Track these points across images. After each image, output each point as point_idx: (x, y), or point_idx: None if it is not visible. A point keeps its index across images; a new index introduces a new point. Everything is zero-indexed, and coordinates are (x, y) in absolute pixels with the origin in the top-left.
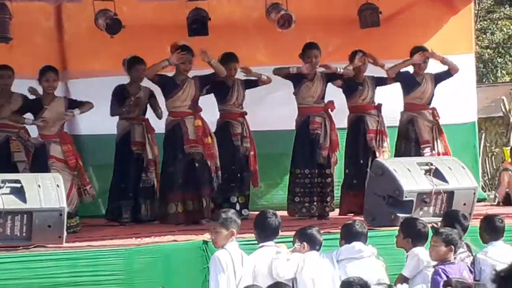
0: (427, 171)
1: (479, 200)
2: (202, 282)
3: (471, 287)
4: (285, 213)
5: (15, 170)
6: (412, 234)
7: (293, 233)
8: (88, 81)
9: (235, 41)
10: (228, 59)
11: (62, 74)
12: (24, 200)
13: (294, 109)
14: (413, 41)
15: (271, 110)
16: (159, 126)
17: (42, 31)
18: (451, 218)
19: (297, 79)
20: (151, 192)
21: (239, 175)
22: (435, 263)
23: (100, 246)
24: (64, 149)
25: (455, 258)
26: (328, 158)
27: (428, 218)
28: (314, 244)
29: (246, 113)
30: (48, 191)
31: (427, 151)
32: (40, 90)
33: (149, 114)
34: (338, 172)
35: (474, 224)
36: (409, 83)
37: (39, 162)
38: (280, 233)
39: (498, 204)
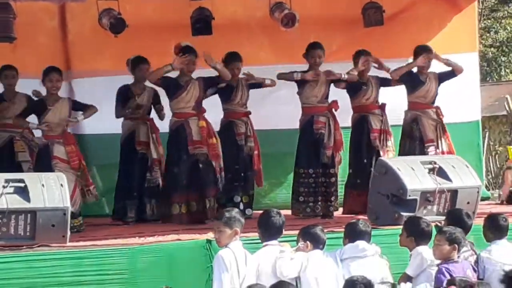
0: (431, 170)
1: (483, 199)
2: (206, 281)
3: (475, 286)
4: (288, 212)
5: (19, 170)
6: (416, 233)
7: (297, 232)
8: (92, 81)
9: (238, 40)
10: (232, 58)
11: (66, 73)
12: (28, 199)
13: (298, 108)
14: (416, 40)
15: (275, 109)
16: (163, 125)
17: (46, 30)
18: (455, 216)
19: (301, 79)
20: (156, 192)
21: (242, 174)
22: (438, 262)
23: (104, 246)
24: (67, 150)
25: (458, 256)
26: (332, 158)
27: (431, 216)
28: (317, 243)
29: (250, 113)
30: (52, 190)
31: (431, 149)
32: (43, 90)
33: (154, 113)
34: (342, 172)
35: (478, 223)
36: (413, 82)
37: (43, 163)
38: (284, 232)
39: (501, 203)
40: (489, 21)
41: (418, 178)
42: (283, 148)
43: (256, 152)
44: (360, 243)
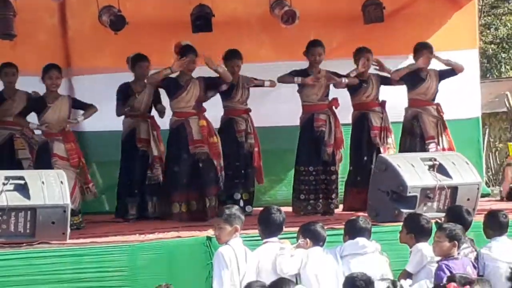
0: (431, 167)
1: (483, 196)
2: (206, 278)
3: (475, 282)
4: (289, 209)
5: (19, 167)
6: (416, 230)
7: (297, 229)
8: (92, 78)
9: (239, 37)
10: (232, 56)
11: (66, 70)
12: (28, 196)
13: (298, 105)
14: (417, 37)
15: (275, 106)
16: (164, 123)
17: (46, 28)
18: (455, 213)
19: (301, 76)
20: (157, 190)
21: (243, 171)
22: (438, 258)
23: (104, 243)
24: (67, 148)
25: (458, 253)
26: (333, 155)
27: (431, 213)
28: (317, 240)
29: (250, 110)
30: (52, 187)
31: (432, 146)
32: (43, 88)
33: (154, 111)
34: (342, 169)
35: (478, 219)
36: (413, 79)
37: (43, 160)
38: (284, 229)
39: (502, 200)
40: (489, 17)
41: (418, 174)
42: (283, 145)
43: (256, 149)
44: (360, 240)
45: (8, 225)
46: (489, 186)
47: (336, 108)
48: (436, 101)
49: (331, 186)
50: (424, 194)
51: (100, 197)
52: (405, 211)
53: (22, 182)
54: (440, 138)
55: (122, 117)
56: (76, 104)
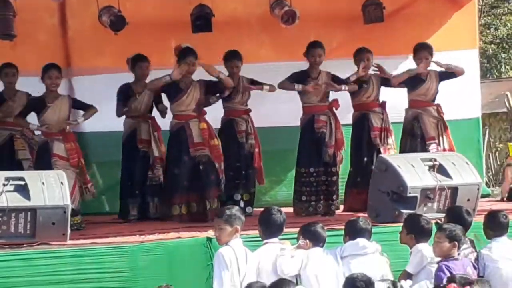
0: (431, 167)
1: (483, 196)
2: (206, 279)
3: (474, 283)
4: (289, 209)
5: (19, 168)
6: (416, 231)
7: (297, 230)
8: (92, 78)
9: (238, 37)
10: (231, 56)
11: (66, 71)
12: (28, 197)
13: (298, 105)
14: (417, 37)
15: (275, 106)
16: (165, 124)
17: (46, 28)
18: (455, 214)
19: (301, 79)
20: (158, 191)
21: (243, 172)
22: (438, 259)
23: (104, 244)
24: (67, 147)
25: (458, 254)
26: (334, 156)
27: (432, 214)
28: (318, 240)
29: (250, 110)
30: (52, 188)
31: (433, 147)
32: (42, 88)
33: (156, 112)
34: (342, 170)
35: (478, 220)
36: (414, 80)
37: (43, 160)
38: (285, 229)
39: (502, 200)
40: (489, 17)
41: (418, 175)
42: (283, 146)
43: (257, 149)
44: (361, 241)
45: (8, 226)
46: (489, 187)
47: (336, 109)
48: (436, 102)
49: (332, 187)
50: (424, 194)
51: (100, 198)
52: (405, 211)
53: (22, 183)
54: (440, 139)
55: (122, 117)
56: (76, 104)
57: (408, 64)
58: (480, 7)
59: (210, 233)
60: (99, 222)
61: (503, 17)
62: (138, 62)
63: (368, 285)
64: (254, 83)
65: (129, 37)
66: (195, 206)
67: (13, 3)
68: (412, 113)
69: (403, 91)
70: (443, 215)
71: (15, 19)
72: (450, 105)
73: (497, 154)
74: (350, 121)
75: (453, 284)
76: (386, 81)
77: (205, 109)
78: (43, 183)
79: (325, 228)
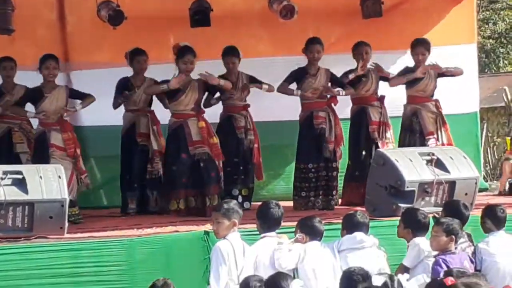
0: (429, 161)
1: (481, 190)
2: (204, 272)
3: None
4: (287, 204)
5: (17, 161)
6: (413, 224)
7: (295, 223)
8: (90, 73)
9: (237, 32)
10: (228, 52)
11: (65, 65)
12: (25, 191)
13: (297, 100)
14: (415, 31)
15: (274, 100)
16: (164, 117)
17: (45, 22)
18: (452, 208)
19: (300, 76)
20: (158, 184)
21: (242, 168)
22: (435, 253)
23: (102, 237)
24: (64, 137)
25: (456, 248)
26: (334, 152)
27: (429, 208)
28: (315, 234)
29: (249, 105)
30: (49, 182)
31: (431, 142)
32: (40, 78)
33: (154, 105)
34: (340, 164)
35: (476, 214)
36: None
37: (40, 151)
38: (282, 223)
39: (499, 194)
40: (487, 12)
41: (416, 169)
42: (281, 140)
43: (256, 145)
44: (358, 235)
45: (6, 219)
46: (487, 181)
47: (335, 105)
48: (434, 97)
49: (332, 182)
50: (422, 188)
51: (98, 192)
52: (403, 205)
53: (20, 176)
54: (439, 134)
55: (121, 111)
56: (74, 94)
57: (406, 59)
58: (478, 1)
59: (208, 226)
60: (97, 216)
61: (501, 12)
62: (136, 56)
63: (365, 279)
64: (253, 80)
65: (127, 31)
66: (193, 201)
67: None
68: (410, 108)
69: (402, 86)
70: (441, 209)
71: (14, 14)
72: (448, 99)
73: (495, 149)
74: (348, 116)
75: (450, 278)
76: (384, 77)
77: (204, 109)
78: (40, 177)
79: (323, 222)
